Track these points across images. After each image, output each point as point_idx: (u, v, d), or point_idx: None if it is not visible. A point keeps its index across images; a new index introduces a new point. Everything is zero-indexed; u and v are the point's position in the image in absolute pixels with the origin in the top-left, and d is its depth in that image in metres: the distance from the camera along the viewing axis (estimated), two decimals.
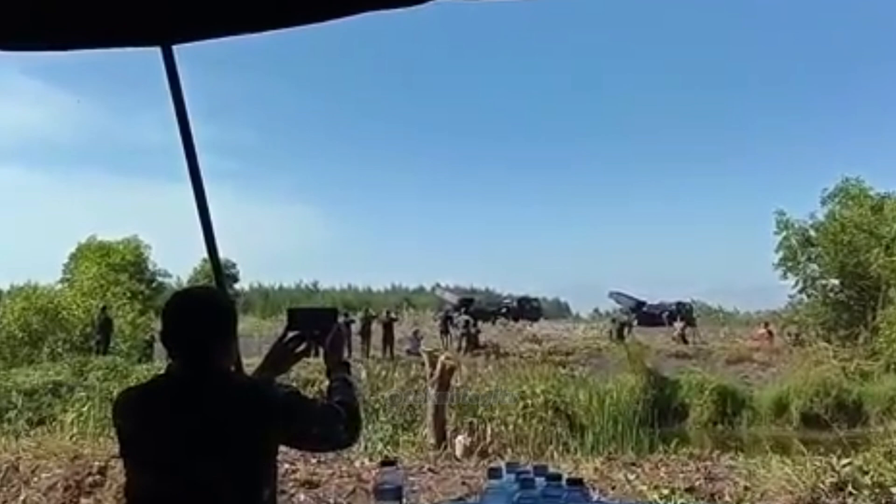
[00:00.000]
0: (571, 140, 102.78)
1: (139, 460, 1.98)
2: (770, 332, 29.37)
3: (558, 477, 2.12)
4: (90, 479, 6.59)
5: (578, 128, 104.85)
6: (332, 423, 2.02)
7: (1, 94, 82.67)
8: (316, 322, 2.34)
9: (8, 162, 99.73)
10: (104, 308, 27.59)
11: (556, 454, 9.73)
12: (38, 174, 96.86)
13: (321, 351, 2.30)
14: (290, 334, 2.33)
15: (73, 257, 40.85)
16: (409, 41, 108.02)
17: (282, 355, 2.35)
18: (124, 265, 36.97)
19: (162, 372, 2.06)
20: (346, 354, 2.40)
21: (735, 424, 22.50)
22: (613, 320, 33.45)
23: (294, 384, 2.24)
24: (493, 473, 2.28)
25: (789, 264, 29.36)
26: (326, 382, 2.22)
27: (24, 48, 2.62)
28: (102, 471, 6.65)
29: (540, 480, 2.15)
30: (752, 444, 14.44)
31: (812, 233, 29.11)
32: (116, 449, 2.11)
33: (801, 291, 29.29)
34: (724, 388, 23.36)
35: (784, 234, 29.48)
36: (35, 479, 6.81)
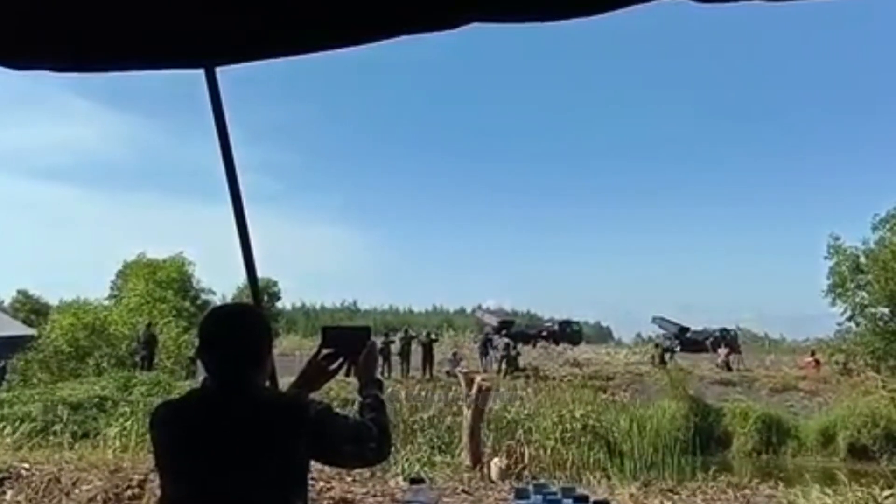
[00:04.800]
0: (616, 167, 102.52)
1: (172, 473, 2.02)
2: (817, 361, 28.75)
3: (585, 499, 2.12)
4: (129, 491, 6.69)
5: (622, 155, 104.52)
6: (363, 440, 2.03)
7: (54, 114, 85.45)
8: (350, 340, 2.35)
9: (60, 180, 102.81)
10: (149, 324, 28.07)
11: (593, 479, 9.61)
12: (88, 192, 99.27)
13: (354, 369, 2.33)
14: (325, 352, 2.35)
15: (120, 274, 41.70)
16: (452, 67, 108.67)
17: (316, 372, 2.35)
18: (170, 282, 37.51)
19: (197, 386, 2.11)
20: (378, 372, 2.41)
21: (780, 454, 21.95)
22: (656, 346, 33.07)
23: (333, 403, 2.26)
24: (521, 494, 2.28)
25: (838, 291, 28.70)
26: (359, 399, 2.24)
27: (74, 69, 2.72)
28: (142, 484, 6.75)
29: (567, 502, 2.14)
30: (796, 475, 14.11)
31: (863, 259, 28.45)
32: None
33: (849, 319, 28.59)
34: (768, 416, 22.83)
35: (835, 259, 28.88)
36: (76, 490, 6.93)
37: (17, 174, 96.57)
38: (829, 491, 6.30)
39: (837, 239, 29.00)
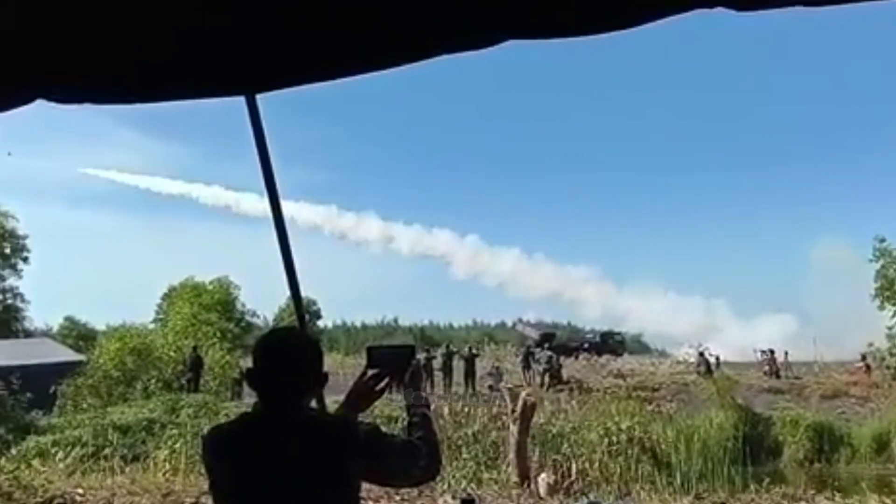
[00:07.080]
0: (639, 174, 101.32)
1: (226, 496, 2.04)
2: (868, 366, 28.09)
3: None
4: None
5: (654, 160, 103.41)
6: (413, 459, 2.05)
7: (99, 143, 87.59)
8: (394, 360, 2.38)
9: (105, 208, 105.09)
10: (195, 347, 28.41)
11: (642, 492, 9.49)
12: (132, 219, 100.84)
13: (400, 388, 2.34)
14: (370, 372, 2.37)
15: (166, 298, 42.33)
16: (487, 80, 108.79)
17: (362, 393, 2.38)
18: (214, 305, 37.97)
19: (249, 410, 2.13)
20: (424, 390, 2.42)
21: (833, 462, 21.47)
22: (700, 354, 32.52)
23: (377, 421, 2.28)
24: None
25: (887, 294, 28.06)
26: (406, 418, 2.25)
27: (117, 101, 2.78)
28: None
29: None
30: (851, 484, 13.77)
31: None
32: (207, 485, 2.18)
33: None
34: (820, 424, 22.39)
35: (882, 262, 28.26)
36: None
37: (61, 203, 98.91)
38: (887, 500, 6.14)
39: (883, 241, 28.40)
